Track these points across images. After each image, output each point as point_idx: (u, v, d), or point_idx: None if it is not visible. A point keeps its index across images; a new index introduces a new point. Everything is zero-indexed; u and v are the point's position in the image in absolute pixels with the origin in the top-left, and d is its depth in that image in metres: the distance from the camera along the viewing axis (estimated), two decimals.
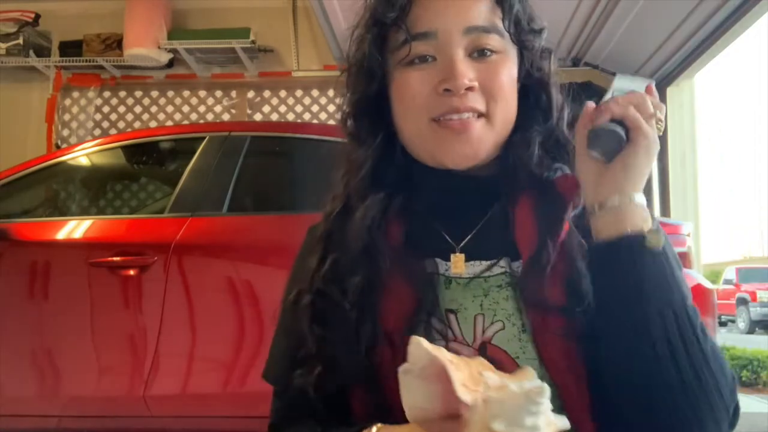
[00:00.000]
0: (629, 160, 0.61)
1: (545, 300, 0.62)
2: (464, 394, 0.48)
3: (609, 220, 0.61)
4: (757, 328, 12.58)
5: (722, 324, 13.47)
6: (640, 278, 0.59)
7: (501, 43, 0.67)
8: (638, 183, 0.62)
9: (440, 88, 0.65)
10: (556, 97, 0.72)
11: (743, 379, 5.66)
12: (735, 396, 0.59)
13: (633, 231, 0.60)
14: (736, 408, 0.60)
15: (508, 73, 0.67)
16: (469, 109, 0.65)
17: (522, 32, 0.69)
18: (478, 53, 0.66)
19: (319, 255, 0.71)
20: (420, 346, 0.50)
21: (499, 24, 0.67)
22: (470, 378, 0.49)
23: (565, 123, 0.72)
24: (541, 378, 0.61)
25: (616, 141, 0.62)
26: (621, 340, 0.59)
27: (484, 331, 0.64)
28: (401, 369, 0.52)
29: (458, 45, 0.66)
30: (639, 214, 0.61)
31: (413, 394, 0.51)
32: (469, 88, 0.65)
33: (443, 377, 0.48)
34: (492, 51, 0.66)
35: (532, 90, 0.71)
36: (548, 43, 0.72)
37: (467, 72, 0.65)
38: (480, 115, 0.66)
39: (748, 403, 4.85)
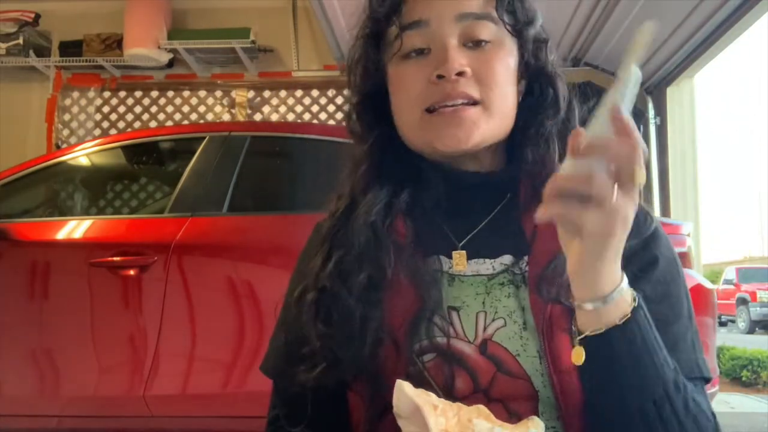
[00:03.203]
0: (597, 247, 0.52)
1: (561, 299, 0.61)
2: None
3: (584, 320, 0.56)
4: (757, 328, 12.58)
5: (722, 324, 13.46)
6: (616, 373, 0.56)
7: (495, 32, 0.67)
8: (613, 275, 0.54)
9: (433, 76, 0.66)
10: (563, 89, 0.71)
11: (743, 379, 5.66)
12: None
13: (607, 325, 0.55)
14: None
15: (502, 62, 0.68)
16: (461, 95, 0.65)
17: (517, 22, 0.69)
18: (474, 44, 0.67)
19: (324, 253, 0.71)
20: (402, 390, 0.49)
21: (493, 12, 0.67)
22: (457, 425, 0.49)
23: (576, 119, 0.71)
24: (542, 375, 0.61)
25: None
26: (602, 419, 0.58)
27: (485, 328, 0.64)
28: (395, 411, 0.51)
29: (451, 33, 0.66)
30: (616, 309, 0.55)
31: None
32: (461, 74, 0.65)
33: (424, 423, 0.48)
34: (486, 41, 0.67)
35: (536, 84, 0.71)
36: (546, 35, 0.71)
37: (459, 57, 0.65)
38: (475, 103, 0.66)
39: (748, 403, 4.85)
